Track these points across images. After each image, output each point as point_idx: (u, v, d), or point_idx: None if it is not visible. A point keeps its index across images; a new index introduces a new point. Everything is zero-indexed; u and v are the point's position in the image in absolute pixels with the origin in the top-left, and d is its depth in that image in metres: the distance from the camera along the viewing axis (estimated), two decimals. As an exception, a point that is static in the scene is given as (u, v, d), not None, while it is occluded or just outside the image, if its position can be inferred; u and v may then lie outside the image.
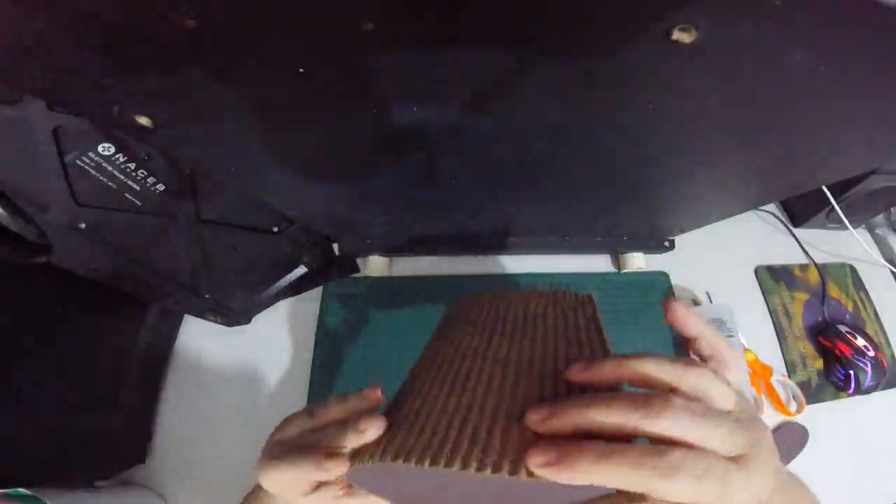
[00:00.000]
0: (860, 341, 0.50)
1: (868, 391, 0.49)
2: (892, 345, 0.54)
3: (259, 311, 0.48)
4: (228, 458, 0.44)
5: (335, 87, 0.20)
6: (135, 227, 0.38)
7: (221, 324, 0.47)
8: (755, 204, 0.40)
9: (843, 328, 0.51)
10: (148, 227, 0.38)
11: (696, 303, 0.54)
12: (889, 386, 0.51)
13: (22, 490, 0.31)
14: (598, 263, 0.55)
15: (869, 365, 0.48)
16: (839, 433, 0.48)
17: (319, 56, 0.18)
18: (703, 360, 0.21)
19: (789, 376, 0.50)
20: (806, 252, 0.58)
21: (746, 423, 0.17)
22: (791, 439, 0.47)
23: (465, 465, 0.16)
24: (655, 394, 0.16)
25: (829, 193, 0.51)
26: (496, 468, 0.16)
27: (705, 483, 0.15)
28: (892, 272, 0.57)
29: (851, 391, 0.49)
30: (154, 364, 0.46)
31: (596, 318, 0.24)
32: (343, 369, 0.48)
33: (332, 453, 0.21)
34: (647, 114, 0.22)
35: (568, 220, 0.47)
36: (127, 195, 0.37)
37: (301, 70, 0.18)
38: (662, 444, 0.15)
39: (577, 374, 0.18)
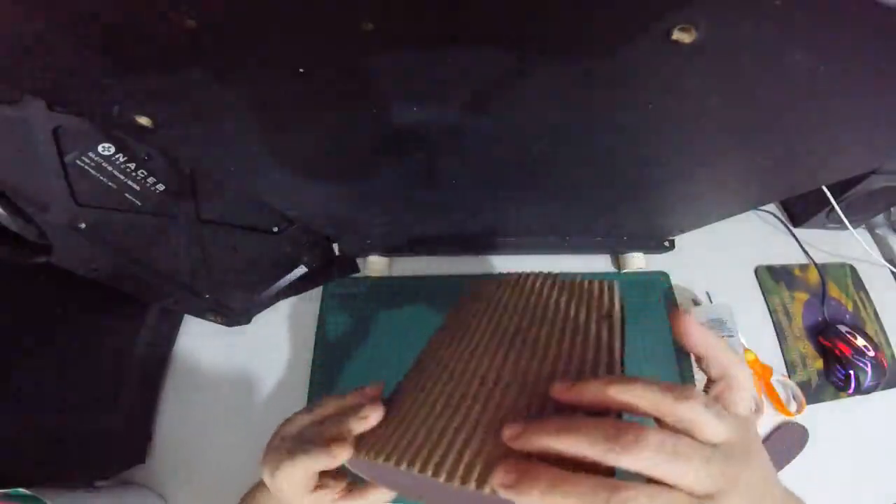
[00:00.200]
0: (860, 341, 0.50)
1: (868, 391, 0.49)
2: (893, 345, 0.54)
3: (259, 311, 0.48)
4: (228, 458, 0.44)
5: (335, 88, 0.20)
6: (135, 227, 0.38)
7: (221, 324, 0.46)
8: (755, 204, 0.40)
9: (843, 328, 0.51)
10: (148, 227, 0.38)
11: (695, 303, 0.54)
12: (889, 386, 0.51)
13: (22, 490, 0.31)
14: (598, 263, 0.55)
15: (869, 365, 0.48)
16: (839, 433, 0.48)
17: (319, 56, 0.18)
18: (711, 379, 0.20)
19: (789, 376, 0.50)
20: (806, 252, 0.58)
21: (728, 459, 0.16)
22: (791, 439, 0.47)
23: (436, 473, 0.17)
24: (633, 424, 0.16)
25: (829, 193, 0.51)
26: (463, 480, 0.17)
27: None
28: (893, 272, 0.57)
29: (851, 391, 0.49)
30: (154, 364, 0.46)
31: (612, 318, 0.23)
32: (343, 369, 0.48)
33: (336, 440, 0.22)
34: (647, 114, 0.22)
35: (568, 220, 0.47)
36: (127, 195, 0.37)
37: (301, 70, 0.18)
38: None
39: (559, 393, 0.18)
